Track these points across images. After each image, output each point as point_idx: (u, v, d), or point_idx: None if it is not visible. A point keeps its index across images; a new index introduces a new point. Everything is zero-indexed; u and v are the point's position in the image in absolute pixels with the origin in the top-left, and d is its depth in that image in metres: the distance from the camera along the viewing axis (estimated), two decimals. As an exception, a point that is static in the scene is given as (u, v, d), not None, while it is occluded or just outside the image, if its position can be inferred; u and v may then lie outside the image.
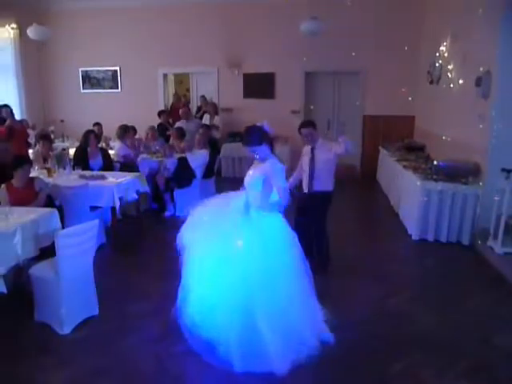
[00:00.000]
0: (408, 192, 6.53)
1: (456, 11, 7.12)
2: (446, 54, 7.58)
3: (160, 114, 9.62)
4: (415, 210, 5.99)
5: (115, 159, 7.00)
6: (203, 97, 10.60)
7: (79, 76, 11.34)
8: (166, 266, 5.02)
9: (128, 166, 6.80)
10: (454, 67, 7.13)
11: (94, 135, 6.42)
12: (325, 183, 4.82)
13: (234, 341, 3.15)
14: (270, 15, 9.95)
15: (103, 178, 5.77)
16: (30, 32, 8.33)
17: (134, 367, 3.32)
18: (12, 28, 10.05)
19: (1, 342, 3.64)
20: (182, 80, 12.93)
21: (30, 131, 8.89)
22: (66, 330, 3.73)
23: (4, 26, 9.95)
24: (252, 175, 3.54)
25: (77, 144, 7.53)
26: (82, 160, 6.36)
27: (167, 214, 7.00)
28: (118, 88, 11.19)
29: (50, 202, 4.91)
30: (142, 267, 5.09)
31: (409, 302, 4.29)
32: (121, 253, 5.58)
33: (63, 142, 9.54)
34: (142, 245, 5.93)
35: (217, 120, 9.77)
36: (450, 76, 7.25)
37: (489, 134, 5.70)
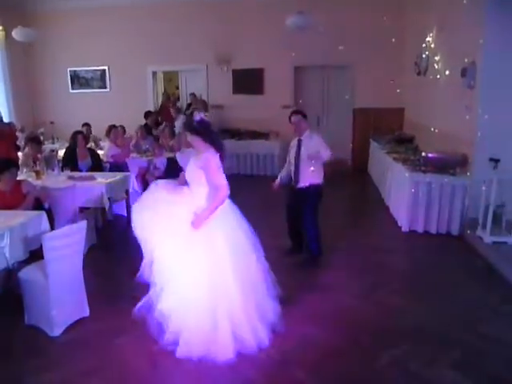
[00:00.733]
0: (397, 184, 6.56)
1: (441, 1, 7.13)
2: (432, 45, 7.60)
3: (146, 115, 9.40)
4: (404, 201, 6.03)
5: (104, 159, 6.97)
6: (193, 94, 10.58)
7: (67, 76, 11.32)
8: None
9: (117, 166, 6.78)
10: (441, 58, 7.16)
11: (81, 136, 6.40)
12: (312, 176, 4.80)
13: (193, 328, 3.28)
14: (257, 10, 9.97)
15: (92, 178, 5.76)
16: (15, 34, 8.29)
17: (125, 367, 3.33)
18: (-2, 30, 9.98)
19: (-9, 346, 3.65)
20: (171, 78, 12.93)
21: (18, 134, 8.84)
22: (57, 332, 3.73)
23: (-11, 28, 9.88)
24: (191, 168, 3.49)
25: (66, 145, 7.50)
26: (70, 161, 6.34)
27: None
28: (106, 87, 11.16)
29: (38, 205, 4.88)
30: (133, 267, 5.07)
31: (397, 293, 4.33)
32: (112, 253, 5.57)
33: (53, 143, 9.50)
34: (133, 245, 5.91)
35: (207, 117, 9.73)
36: (436, 67, 7.28)
37: (475, 124, 5.73)
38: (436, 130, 7.17)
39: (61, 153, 7.50)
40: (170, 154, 7.24)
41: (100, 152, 7.24)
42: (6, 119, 9.14)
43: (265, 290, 3.56)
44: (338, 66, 10.15)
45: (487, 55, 5.55)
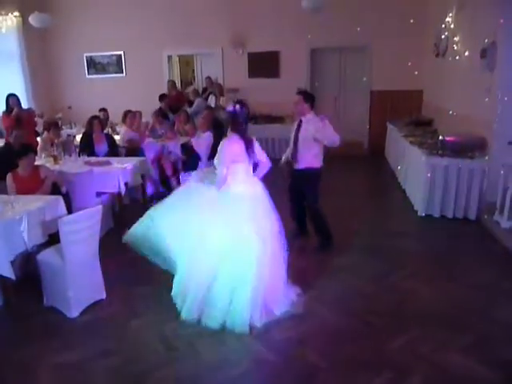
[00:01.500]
0: (414, 168, 6.49)
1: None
2: (452, 26, 7.42)
3: (161, 98, 9.41)
4: (421, 185, 5.96)
5: (121, 144, 7.03)
6: (209, 78, 10.55)
7: (84, 61, 11.39)
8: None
9: (133, 150, 6.83)
10: (460, 39, 6.99)
11: (98, 121, 6.46)
12: (310, 159, 4.74)
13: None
14: (272, -8, 9.82)
15: (108, 163, 5.84)
16: (32, 20, 8.35)
17: (141, 348, 3.41)
18: (15, 16, 10.05)
19: (11, 327, 3.78)
20: (188, 61, 12.88)
21: (37, 119, 8.97)
22: (74, 313, 3.83)
23: (7, 14, 9.94)
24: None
25: (83, 130, 7.59)
26: (87, 146, 6.42)
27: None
28: (122, 72, 11.21)
29: (55, 190, 4.97)
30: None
31: (411, 278, 4.32)
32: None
33: (71, 128, 9.60)
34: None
35: (223, 101, 9.72)
36: (455, 48, 7.11)
37: (495, 107, 5.61)
38: (455, 113, 7.05)
39: (78, 138, 7.61)
40: (185, 139, 7.29)
41: (116, 137, 7.31)
42: (24, 105, 9.27)
43: (284, 273, 3.78)
44: (355, 48, 9.99)
45: (508, 35, 5.39)
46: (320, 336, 3.47)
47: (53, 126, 6.83)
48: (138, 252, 3.94)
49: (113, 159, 6.01)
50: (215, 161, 3.67)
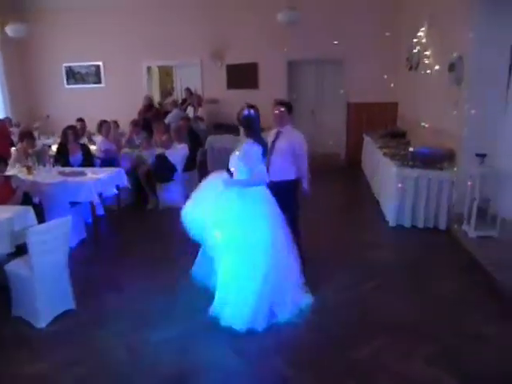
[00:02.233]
0: (386, 179, 6.61)
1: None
2: (423, 40, 7.61)
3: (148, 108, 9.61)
4: (392, 196, 6.07)
5: (96, 154, 7.03)
6: (188, 89, 10.63)
7: (63, 71, 11.37)
8: (143, 259, 5.16)
9: (109, 160, 6.84)
10: (431, 53, 7.18)
11: (71, 131, 6.44)
12: (284, 171, 4.48)
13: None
14: (251, 5, 9.96)
15: (83, 174, 5.82)
16: (8, 30, 8.33)
17: (108, 357, 3.41)
18: (-8, 26, 9.99)
19: (-22, 338, 3.74)
20: (168, 72, 12.94)
21: (14, 129, 8.92)
22: (42, 324, 3.81)
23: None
24: (233, 158, 3.86)
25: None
26: (62, 156, 6.40)
27: (149, 207, 7.07)
28: (101, 83, 11.22)
29: (27, 200, 4.95)
30: (120, 261, 5.18)
31: (380, 288, 4.38)
32: (100, 247, 5.66)
33: (48, 138, 9.55)
34: (121, 239, 6.01)
35: (200, 112, 9.80)
36: (426, 62, 7.31)
37: (463, 119, 5.76)
38: (426, 125, 7.22)
39: (54, 148, 7.57)
40: (161, 150, 7.32)
41: (92, 147, 7.30)
42: (1, 115, 9.22)
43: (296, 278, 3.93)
44: (331, 61, 10.17)
45: (474, 50, 5.54)
46: (287, 345, 3.51)
47: (27, 136, 6.79)
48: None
49: (87, 169, 6.00)
50: (242, 167, 3.72)
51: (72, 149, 6.48)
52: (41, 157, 6.28)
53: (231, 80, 10.52)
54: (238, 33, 10.15)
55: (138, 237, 5.96)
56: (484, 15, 5.47)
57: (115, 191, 6.10)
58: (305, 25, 9.03)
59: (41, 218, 4.77)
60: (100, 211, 6.31)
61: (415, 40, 7.89)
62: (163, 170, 6.88)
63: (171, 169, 6.91)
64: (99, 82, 11.23)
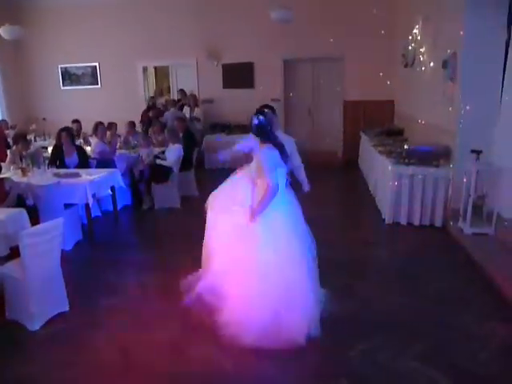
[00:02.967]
0: (382, 176, 6.60)
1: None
2: (418, 37, 7.60)
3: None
4: (388, 193, 6.06)
5: (92, 156, 7.02)
6: (182, 90, 10.61)
7: (59, 73, 11.36)
8: (139, 260, 5.15)
9: (104, 162, 6.82)
10: (426, 50, 7.17)
11: (66, 133, 6.41)
12: None
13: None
14: (246, 4, 9.96)
15: (77, 175, 5.81)
16: (3, 32, 8.31)
17: (100, 359, 3.40)
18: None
19: (-29, 342, 3.73)
20: (165, 73, 12.91)
21: (9, 131, 8.90)
22: (36, 326, 3.80)
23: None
24: (255, 163, 3.69)
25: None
26: (57, 158, 6.39)
27: (144, 207, 7.06)
28: (97, 84, 11.20)
29: (21, 202, 4.94)
30: (115, 262, 5.16)
31: (374, 286, 4.38)
32: (95, 249, 5.64)
33: (44, 140, 9.54)
34: (116, 240, 5.99)
35: (197, 112, 9.79)
36: (422, 59, 7.29)
37: (457, 116, 5.75)
38: (423, 122, 7.21)
39: (50, 150, 7.56)
40: (158, 150, 7.34)
41: (87, 148, 7.29)
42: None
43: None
44: (327, 59, 10.16)
45: (467, 47, 5.54)
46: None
47: (21, 138, 6.77)
48: None
49: (82, 171, 5.98)
50: (257, 173, 3.57)
51: (67, 150, 6.46)
52: (35, 159, 6.27)
53: (227, 79, 10.51)
54: (234, 32, 10.13)
55: (133, 238, 5.97)
56: (477, 11, 5.46)
57: (110, 192, 6.09)
58: (300, 23, 9.02)
59: (35, 220, 4.75)
60: (96, 212, 6.32)
61: (410, 37, 7.88)
62: (159, 170, 6.87)
63: (167, 169, 6.90)
64: (95, 83, 11.22)
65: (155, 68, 12.29)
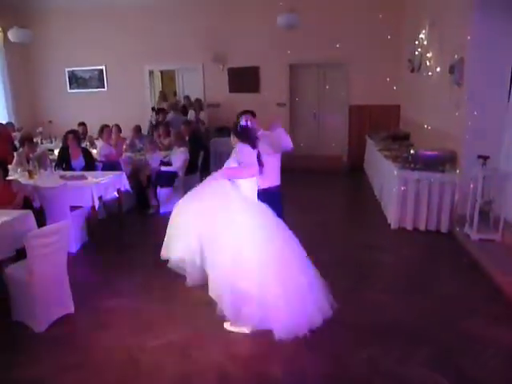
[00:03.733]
0: (388, 181, 6.58)
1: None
2: (425, 42, 7.59)
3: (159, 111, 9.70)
4: (393, 198, 6.04)
5: (98, 159, 7.05)
6: (187, 97, 10.64)
7: (65, 76, 11.42)
8: (144, 263, 5.14)
9: (110, 165, 6.85)
10: (433, 55, 7.16)
11: (72, 136, 6.45)
12: (272, 177, 4.33)
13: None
14: (253, 9, 9.99)
15: (83, 177, 5.83)
16: (11, 35, 8.38)
17: (105, 361, 3.40)
18: (-4, 31, 10.08)
19: (-23, 343, 3.74)
20: (172, 77, 12.96)
21: (16, 134, 8.95)
22: (41, 328, 3.80)
23: (-13, 29, 9.98)
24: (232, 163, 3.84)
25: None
26: (63, 161, 6.42)
27: (151, 211, 7.07)
28: (104, 87, 11.25)
29: (28, 204, 4.96)
30: (121, 265, 5.17)
31: (380, 291, 4.35)
32: (101, 251, 5.64)
33: (51, 143, 9.59)
34: (122, 243, 5.99)
35: (202, 115, 9.83)
36: (428, 64, 7.28)
37: (464, 121, 5.73)
38: (429, 127, 7.19)
39: (57, 152, 7.60)
40: (164, 153, 7.35)
41: (93, 151, 7.32)
42: (4, 120, 9.27)
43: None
44: (333, 64, 10.16)
45: (474, 51, 5.53)
46: (282, 348, 3.47)
47: (27, 140, 6.82)
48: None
49: (88, 173, 6.00)
50: (234, 163, 3.74)
51: (73, 153, 6.50)
52: (42, 161, 6.30)
53: (233, 83, 10.54)
54: (240, 36, 10.17)
55: (138, 241, 5.96)
56: (484, 16, 5.46)
57: (116, 195, 6.10)
58: (306, 28, 9.03)
59: (42, 223, 4.77)
60: (101, 215, 6.33)
61: (417, 42, 7.88)
62: (164, 174, 6.89)
63: (172, 174, 6.91)
64: (102, 86, 11.27)
65: (161, 72, 12.34)
